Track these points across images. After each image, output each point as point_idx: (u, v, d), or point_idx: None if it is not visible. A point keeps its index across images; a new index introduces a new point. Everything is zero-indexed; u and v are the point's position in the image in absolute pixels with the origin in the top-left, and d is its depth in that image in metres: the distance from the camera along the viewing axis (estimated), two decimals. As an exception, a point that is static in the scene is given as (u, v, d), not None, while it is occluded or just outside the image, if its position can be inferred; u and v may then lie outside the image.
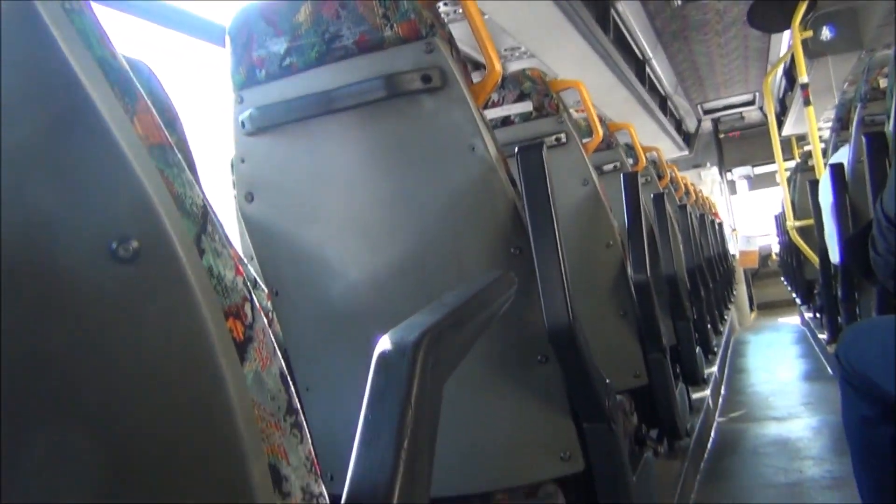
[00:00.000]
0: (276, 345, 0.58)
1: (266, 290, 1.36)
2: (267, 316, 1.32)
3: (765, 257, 10.31)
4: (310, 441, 0.60)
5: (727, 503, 2.66)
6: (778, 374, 5.02)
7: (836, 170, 2.53)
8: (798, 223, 4.77)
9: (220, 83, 1.35)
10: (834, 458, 2.98)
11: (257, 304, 0.55)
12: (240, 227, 1.45)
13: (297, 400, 0.59)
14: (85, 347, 0.50)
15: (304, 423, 0.60)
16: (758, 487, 2.78)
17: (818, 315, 5.23)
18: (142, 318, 0.49)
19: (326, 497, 0.62)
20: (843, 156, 2.66)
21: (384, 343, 0.66)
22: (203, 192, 0.55)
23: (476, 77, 1.32)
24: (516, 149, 1.30)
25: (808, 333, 5.97)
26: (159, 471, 0.51)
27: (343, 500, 0.60)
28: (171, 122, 0.99)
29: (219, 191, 1.78)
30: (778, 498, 2.64)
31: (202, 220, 0.52)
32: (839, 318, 3.33)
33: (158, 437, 0.51)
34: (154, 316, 0.50)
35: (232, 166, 1.34)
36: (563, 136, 2.10)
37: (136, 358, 0.50)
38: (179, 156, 0.54)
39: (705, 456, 3.21)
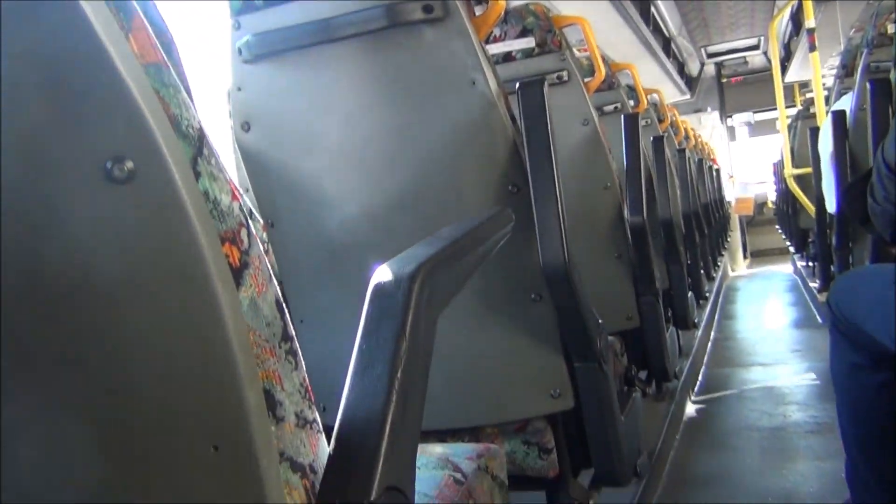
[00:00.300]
0: (272, 273, 0.58)
1: (261, 222, 1.36)
2: (262, 247, 1.32)
3: (760, 205, 10.31)
4: (304, 368, 0.60)
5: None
6: (767, 320, 5.08)
7: (838, 117, 2.51)
8: (796, 171, 4.75)
9: (217, 8, 1.32)
10: (818, 405, 3.03)
11: (253, 231, 0.55)
12: (236, 158, 1.44)
13: (291, 328, 0.59)
14: (79, 269, 0.49)
15: (299, 350, 0.60)
16: (742, 430, 2.84)
17: (811, 264, 5.26)
18: (137, 241, 0.49)
19: (320, 423, 0.62)
20: (846, 103, 2.63)
21: (380, 274, 0.66)
22: (198, 116, 0.54)
23: (478, 10, 1.29)
24: (517, 85, 1.28)
25: (800, 282, 6.02)
26: (155, 395, 0.52)
27: (335, 428, 0.61)
28: (167, 46, 0.96)
29: (214, 123, 1.76)
30: (761, 441, 2.70)
31: (198, 142, 0.51)
32: (832, 268, 3.34)
33: (153, 361, 0.51)
34: (149, 238, 0.49)
35: (228, 95, 1.31)
36: (564, 74, 2.07)
37: (131, 281, 0.50)
38: (176, 77, 0.52)
39: (691, 398, 3.26)
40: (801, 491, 2.24)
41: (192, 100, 0.56)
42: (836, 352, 1.73)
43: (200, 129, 0.53)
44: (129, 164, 0.47)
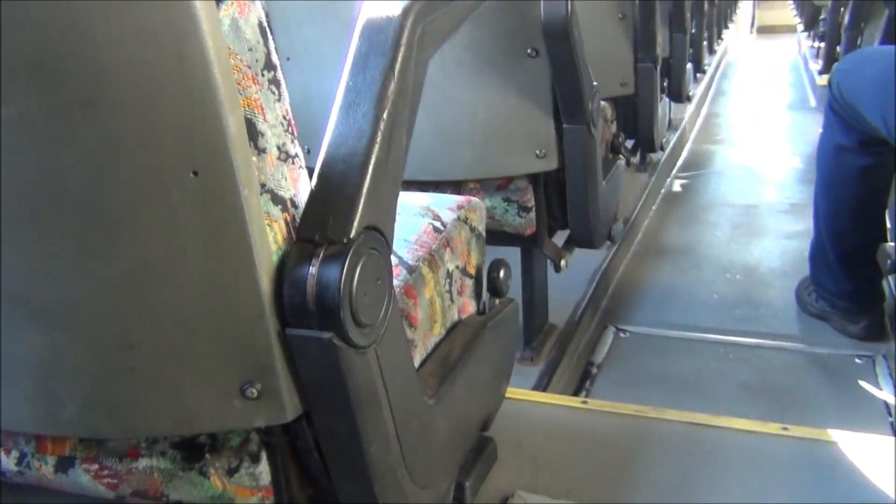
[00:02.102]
0: (255, -6, 0.54)
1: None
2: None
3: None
4: (287, 101, 0.58)
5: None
6: (762, 100, 5.02)
7: None
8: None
9: None
10: (795, 186, 3.09)
11: (235, -57, 0.50)
12: None
13: (276, 57, 0.56)
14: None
15: (283, 82, 0.57)
16: (717, 206, 2.91)
17: (816, 44, 5.09)
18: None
19: (302, 159, 0.62)
20: None
21: (370, 8, 0.62)
22: None
23: None
24: None
25: (802, 63, 5.87)
26: (130, 108, 0.50)
27: (318, 164, 0.60)
28: None
29: None
30: (733, 217, 2.77)
31: None
32: (838, 48, 3.24)
33: (130, 72, 0.49)
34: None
35: None
36: None
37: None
38: None
39: (674, 171, 3.30)
40: (763, 265, 2.34)
41: None
42: (826, 132, 1.73)
43: None
44: None
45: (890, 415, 1.57)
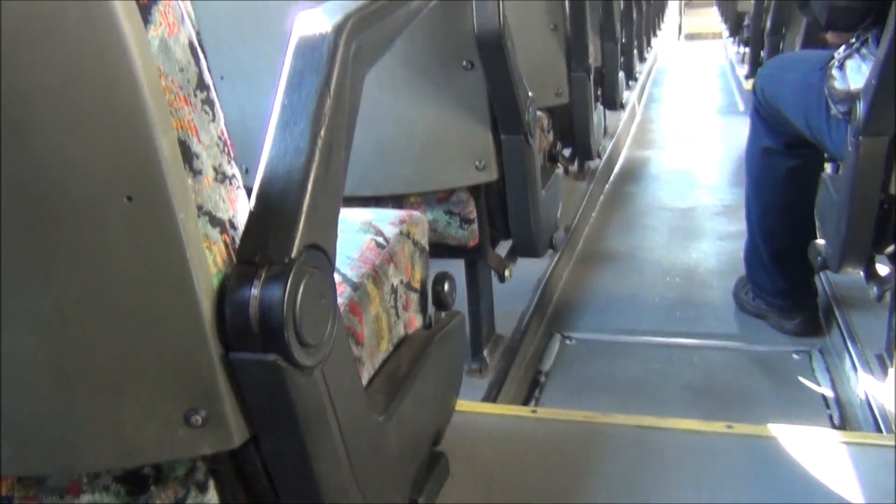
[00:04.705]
0: (186, 14, 0.53)
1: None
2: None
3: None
4: (223, 121, 0.57)
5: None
6: (692, 105, 5.15)
7: None
8: (742, -49, 4.59)
9: None
10: (728, 189, 3.17)
11: (161, -37, 0.49)
12: None
13: (208, 76, 0.55)
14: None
15: (217, 102, 0.56)
16: (654, 210, 2.97)
17: (742, 49, 5.25)
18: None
19: (240, 179, 0.61)
20: None
21: (303, 24, 0.62)
22: None
23: None
24: None
25: (729, 69, 6.05)
26: (63, 139, 0.48)
27: (256, 184, 0.59)
28: None
29: None
30: (672, 220, 2.84)
31: None
32: (762, 53, 3.35)
33: (58, 102, 0.47)
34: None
35: None
36: None
37: (27, 12, 0.45)
38: None
39: (611, 178, 3.36)
40: (701, 267, 2.40)
41: None
42: (753, 136, 1.79)
43: None
44: None
45: (828, 407, 1.62)
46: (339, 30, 0.61)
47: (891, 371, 1.55)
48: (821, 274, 2.00)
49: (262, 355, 0.55)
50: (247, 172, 0.61)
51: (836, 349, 1.81)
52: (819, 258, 1.51)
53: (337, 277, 0.77)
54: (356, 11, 0.63)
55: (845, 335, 1.79)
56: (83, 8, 0.44)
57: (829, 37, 1.46)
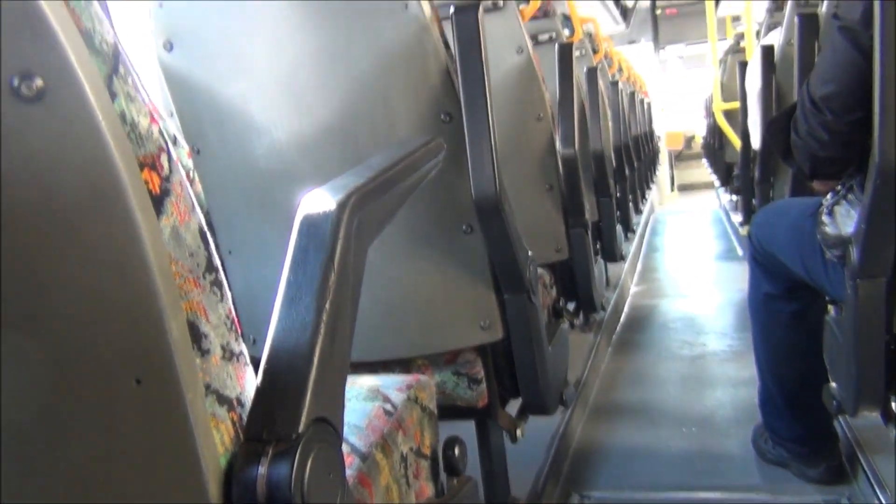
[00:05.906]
0: (195, 201, 0.56)
1: (187, 148, 1.31)
2: (188, 175, 1.27)
3: (689, 139, 10.50)
4: (230, 300, 0.59)
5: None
6: (691, 253, 5.23)
7: (766, 51, 2.54)
8: (725, 106, 4.82)
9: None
10: (735, 334, 3.16)
11: (174, 156, 0.52)
12: (160, 80, 1.37)
13: (217, 258, 0.57)
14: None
15: (225, 281, 0.58)
16: (664, 359, 2.95)
17: (734, 198, 5.40)
18: (51, 165, 0.46)
19: (247, 356, 0.61)
20: (775, 38, 2.67)
21: (308, 203, 0.65)
22: (114, 31, 0.51)
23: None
24: (451, 9, 1.25)
25: (724, 216, 6.19)
26: (73, 324, 0.50)
27: (263, 359, 0.60)
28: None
29: (133, 42, 1.67)
30: (682, 369, 2.81)
31: (113, 59, 0.48)
32: (753, 201, 3.44)
33: (71, 289, 0.49)
34: (64, 163, 0.46)
35: (149, 12, 1.24)
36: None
37: (45, 207, 0.47)
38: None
39: (617, 329, 3.36)
40: (717, 416, 2.35)
41: (107, 14, 0.52)
42: (753, 282, 1.80)
43: (115, 46, 0.49)
44: (39, 82, 0.44)
45: (863, 560, 1.53)
46: (342, 206, 0.63)
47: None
48: (840, 418, 1.96)
49: (270, 536, 0.54)
50: (254, 343, 0.62)
51: (865, 497, 1.74)
52: (834, 402, 1.48)
53: (345, 448, 0.76)
54: (358, 189, 0.66)
55: (873, 482, 1.72)
56: (100, 202, 0.47)
57: (816, 185, 1.50)
